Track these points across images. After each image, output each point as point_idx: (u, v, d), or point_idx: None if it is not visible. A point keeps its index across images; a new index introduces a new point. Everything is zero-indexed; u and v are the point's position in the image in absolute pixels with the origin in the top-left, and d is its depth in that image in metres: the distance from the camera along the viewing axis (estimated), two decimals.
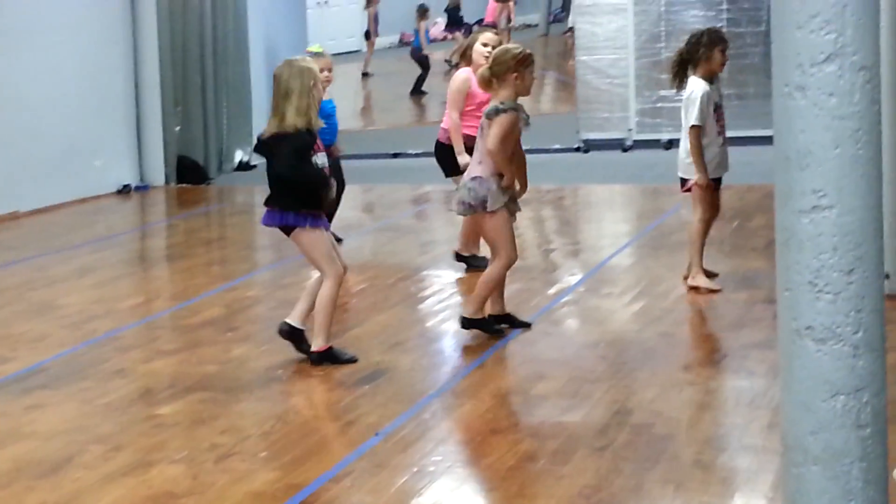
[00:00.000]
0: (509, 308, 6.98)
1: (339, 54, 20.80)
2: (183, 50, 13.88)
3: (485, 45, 8.01)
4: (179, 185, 13.69)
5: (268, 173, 6.38)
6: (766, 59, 13.70)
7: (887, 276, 6.94)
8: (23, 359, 6.76)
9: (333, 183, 6.48)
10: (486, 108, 6.81)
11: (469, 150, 7.37)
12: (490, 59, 6.85)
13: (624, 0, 14.52)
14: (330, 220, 9.98)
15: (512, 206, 6.85)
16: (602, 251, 9.25)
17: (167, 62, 13.58)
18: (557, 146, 14.64)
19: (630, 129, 14.64)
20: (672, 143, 13.26)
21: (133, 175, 13.55)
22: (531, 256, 9.01)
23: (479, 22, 24.26)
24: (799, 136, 3.13)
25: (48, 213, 11.96)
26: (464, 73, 8.20)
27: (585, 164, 13.97)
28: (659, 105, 14.44)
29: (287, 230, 6.38)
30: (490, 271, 6.85)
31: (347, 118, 11.71)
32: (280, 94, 6.20)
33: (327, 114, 8.13)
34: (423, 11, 22.10)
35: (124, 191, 13.25)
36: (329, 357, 6.38)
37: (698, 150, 7.56)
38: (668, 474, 4.74)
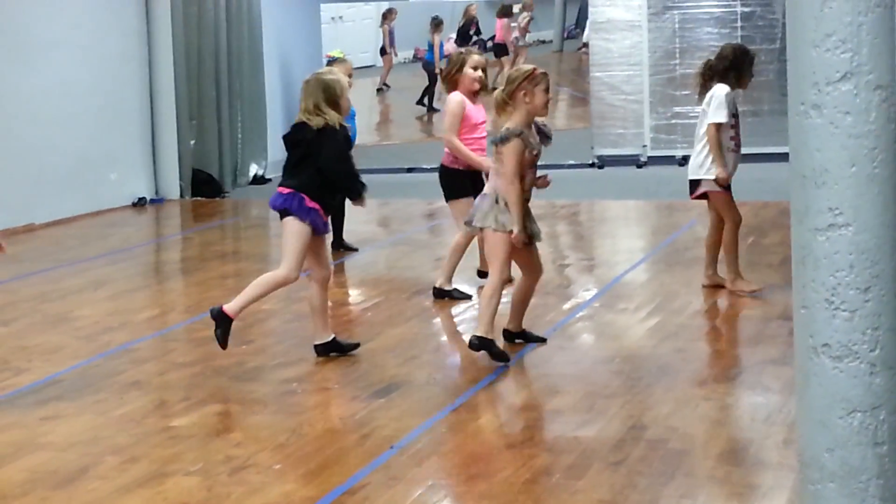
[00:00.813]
0: (524, 324, 6.99)
1: (353, 69, 20.80)
2: (198, 64, 13.95)
3: (474, 68, 7.94)
4: (194, 199, 13.75)
5: (294, 160, 6.55)
6: (780, 77, 13.72)
7: None
8: (38, 370, 6.79)
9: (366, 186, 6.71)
10: (492, 135, 6.74)
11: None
12: (503, 81, 6.80)
13: (638, 17, 14.56)
14: (340, 230, 10.08)
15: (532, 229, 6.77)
16: (617, 266, 9.26)
17: (182, 76, 13.65)
18: (572, 162, 14.67)
19: (644, 146, 14.65)
20: (686, 160, 13.27)
21: (148, 188, 13.62)
22: (546, 272, 8.97)
23: (492, 39, 24.23)
24: (815, 155, 3.14)
25: (63, 226, 12.01)
26: (458, 97, 7.99)
27: (600, 180, 13.99)
28: (674, 122, 14.47)
29: (284, 215, 6.47)
30: (485, 290, 6.79)
31: (362, 133, 11.73)
32: (320, 97, 6.45)
33: (349, 116, 8.25)
34: (437, 24, 22.03)
35: (139, 204, 13.32)
36: (223, 324, 6.52)
37: (718, 146, 7.69)
38: (684, 490, 4.74)
